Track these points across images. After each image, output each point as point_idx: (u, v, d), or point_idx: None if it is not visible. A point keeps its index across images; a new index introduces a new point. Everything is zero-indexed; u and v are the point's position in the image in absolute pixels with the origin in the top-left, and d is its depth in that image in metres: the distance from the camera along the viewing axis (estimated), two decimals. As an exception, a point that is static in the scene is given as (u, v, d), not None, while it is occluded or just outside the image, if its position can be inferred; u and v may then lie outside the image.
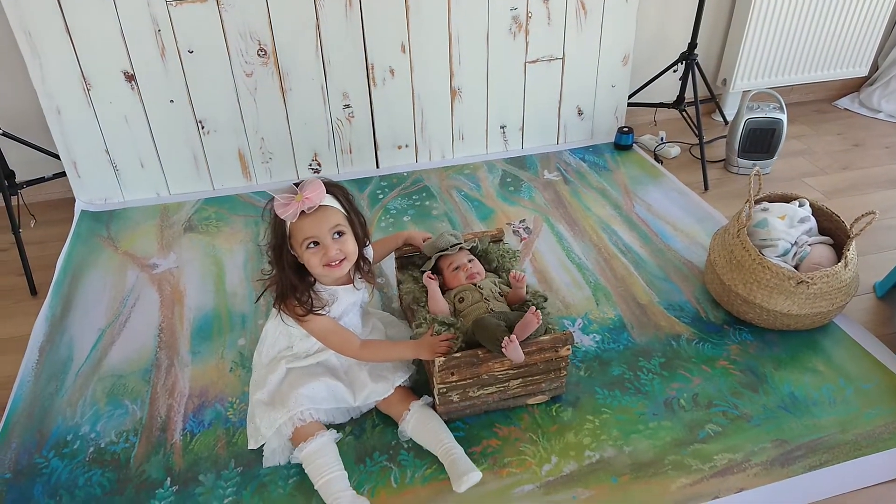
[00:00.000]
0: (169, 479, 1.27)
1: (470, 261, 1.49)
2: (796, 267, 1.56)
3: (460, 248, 1.52)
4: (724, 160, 2.39)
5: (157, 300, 1.74)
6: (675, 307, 1.68)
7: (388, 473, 1.27)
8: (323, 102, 2.13)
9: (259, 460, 1.30)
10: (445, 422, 1.33)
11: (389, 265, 1.72)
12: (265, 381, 1.34)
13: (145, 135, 2.05)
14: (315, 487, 1.22)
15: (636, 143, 2.49)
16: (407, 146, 2.32)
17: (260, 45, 1.98)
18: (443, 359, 1.25)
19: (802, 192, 2.19)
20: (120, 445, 1.34)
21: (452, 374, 1.27)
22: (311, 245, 1.24)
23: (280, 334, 1.38)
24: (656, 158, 2.42)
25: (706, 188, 2.24)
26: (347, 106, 2.17)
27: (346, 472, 1.24)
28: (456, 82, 2.24)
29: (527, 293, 1.43)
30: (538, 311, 1.26)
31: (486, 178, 2.29)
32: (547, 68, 2.30)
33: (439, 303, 1.40)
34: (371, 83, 2.15)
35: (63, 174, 2.08)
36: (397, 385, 1.36)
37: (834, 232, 1.63)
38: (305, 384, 1.30)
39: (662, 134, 2.49)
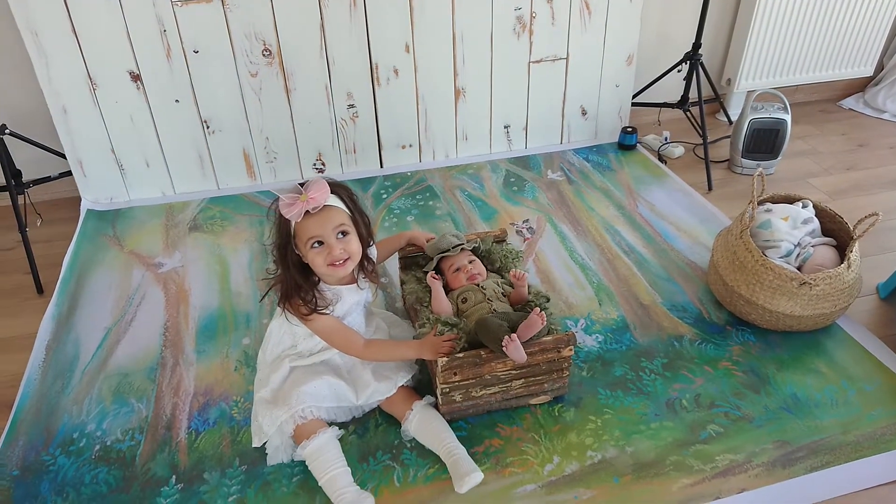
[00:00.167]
0: (174, 476, 1.28)
1: (471, 262, 1.49)
2: (799, 268, 1.57)
3: (462, 249, 1.52)
4: (728, 160, 2.39)
5: (163, 299, 1.75)
6: (678, 308, 1.68)
7: (391, 472, 1.28)
8: (327, 102, 2.14)
9: (263, 458, 1.31)
10: (448, 421, 1.33)
11: (393, 265, 1.73)
12: (269, 379, 1.35)
13: (151, 134, 2.07)
14: (319, 484, 1.23)
15: (640, 143, 2.49)
16: (411, 146, 2.33)
17: (265, 45, 1.99)
18: (445, 359, 1.25)
19: (806, 192, 2.20)
20: (126, 443, 1.35)
21: (455, 374, 1.28)
22: (316, 245, 1.25)
23: (284, 333, 1.39)
24: (660, 158, 2.42)
25: (710, 188, 2.24)
26: (352, 106, 2.17)
27: (349, 469, 1.25)
28: (460, 82, 2.24)
29: (529, 293, 1.43)
30: (542, 312, 1.27)
31: (489, 177, 2.29)
32: (551, 68, 2.31)
33: (443, 303, 1.41)
34: (375, 83, 2.15)
35: (69, 173, 2.09)
36: (400, 385, 1.36)
37: (837, 233, 1.63)
38: (308, 382, 1.31)
39: (666, 134, 2.49)
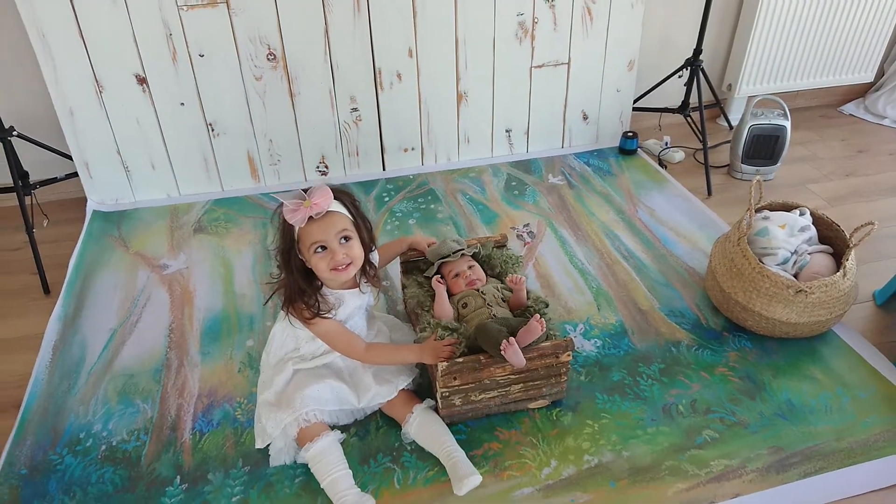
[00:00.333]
0: (179, 477, 1.31)
1: (470, 267, 1.51)
2: (796, 275, 1.59)
3: (462, 255, 1.54)
4: (728, 165, 2.41)
5: (168, 301, 1.78)
6: (676, 313, 1.70)
7: (391, 474, 1.30)
8: (331, 106, 2.16)
9: (266, 460, 1.33)
10: (448, 425, 1.36)
11: (395, 268, 1.75)
12: (272, 381, 1.38)
13: (156, 137, 2.09)
14: (321, 486, 1.25)
15: (641, 147, 2.51)
16: (413, 149, 2.35)
17: (269, 49, 2.01)
18: (445, 363, 1.28)
19: (805, 198, 2.22)
20: (131, 444, 1.38)
21: (455, 378, 1.30)
22: (319, 249, 1.27)
23: (287, 336, 1.41)
24: (660, 163, 2.44)
25: (709, 193, 2.26)
26: (355, 109, 2.20)
27: (350, 472, 1.27)
28: (462, 86, 2.26)
29: (528, 299, 1.45)
30: (542, 318, 1.29)
31: (491, 181, 2.32)
32: (552, 73, 2.32)
33: (445, 307, 1.43)
34: (378, 87, 2.17)
35: (75, 174, 2.12)
36: (401, 388, 1.39)
37: (834, 241, 1.65)
38: (311, 385, 1.33)
39: (667, 139, 2.51)
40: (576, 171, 2.38)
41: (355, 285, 1.38)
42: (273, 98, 2.10)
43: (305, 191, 1.27)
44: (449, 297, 1.47)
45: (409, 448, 1.35)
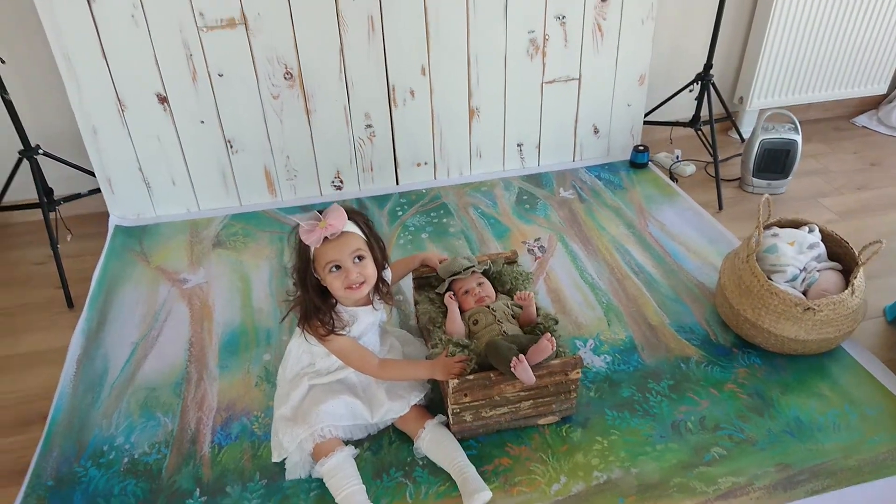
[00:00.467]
0: (198, 489, 1.35)
1: (479, 284, 1.54)
2: (805, 293, 1.60)
3: (472, 272, 1.57)
4: (739, 178, 2.42)
5: (188, 315, 1.83)
6: (686, 329, 1.72)
7: (403, 489, 1.33)
8: (346, 123, 2.21)
9: (283, 473, 1.37)
10: (459, 440, 1.39)
11: (408, 283, 1.78)
12: (288, 396, 1.42)
13: (177, 153, 2.15)
14: (336, 500, 1.28)
15: (652, 160, 2.53)
16: (426, 163, 2.39)
17: (286, 68, 2.06)
18: (456, 381, 1.31)
19: (817, 212, 2.23)
20: (152, 456, 1.42)
21: (465, 395, 1.33)
22: (334, 269, 1.32)
23: (303, 352, 1.45)
24: (671, 176, 2.45)
25: (720, 207, 2.27)
26: (369, 126, 2.24)
27: (364, 487, 1.31)
28: (474, 102, 2.30)
29: (538, 315, 1.48)
30: (553, 338, 1.31)
31: (502, 195, 2.35)
32: (563, 88, 2.35)
33: (457, 323, 1.46)
34: (392, 104, 2.22)
35: (98, 190, 2.18)
36: (413, 404, 1.42)
37: (843, 258, 1.66)
38: (326, 401, 1.37)
39: (678, 152, 2.53)
40: (587, 184, 2.40)
41: (369, 302, 1.42)
42: (290, 115, 2.15)
43: (321, 212, 1.32)
44: (460, 314, 1.51)
45: (421, 463, 1.38)
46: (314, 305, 1.35)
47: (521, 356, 1.27)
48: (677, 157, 2.51)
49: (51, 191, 2.08)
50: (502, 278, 1.62)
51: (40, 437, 1.48)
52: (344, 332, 1.37)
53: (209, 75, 2.03)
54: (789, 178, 2.31)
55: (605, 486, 1.33)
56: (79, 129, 2.06)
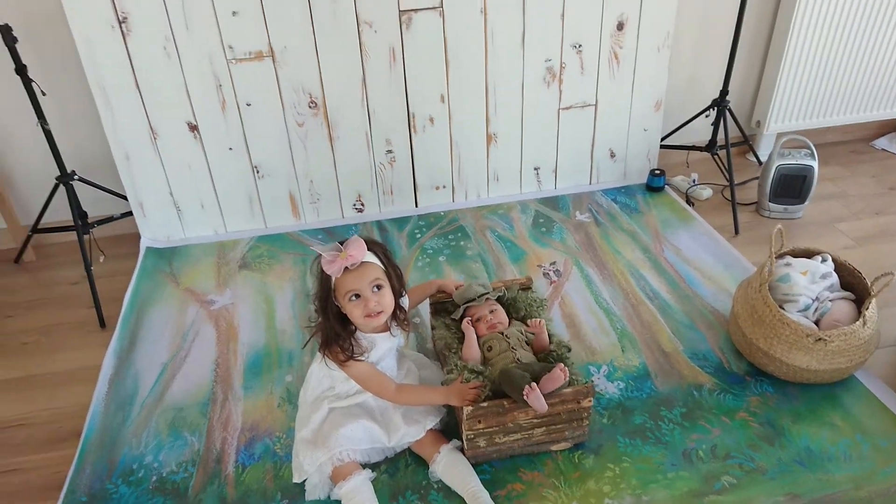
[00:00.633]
0: (223, 508, 1.41)
1: (492, 311, 1.59)
2: (817, 322, 1.62)
3: (486, 299, 1.62)
4: (756, 203, 2.43)
5: (214, 336, 1.90)
6: (699, 356, 1.74)
7: (419, 512, 1.38)
8: (367, 149, 2.28)
9: (303, 494, 1.42)
10: (473, 465, 1.43)
11: (425, 307, 1.83)
12: (309, 419, 1.47)
13: (206, 179, 2.23)
14: (353, 522, 1.34)
15: (668, 184, 2.56)
16: (444, 187, 2.45)
17: (311, 98, 2.14)
18: (470, 408, 1.35)
19: (833, 238, 2.23)
20: (179, 475, 1.48)
21: (479, 421, 1.37)
22: (354, 297, 1.37)
23: (324, 376, 1.51)
24: (688, 200, 2.48)
25: (737, 232, 2.29)
26: (390, 151, 2.31)
27: (380, 510, 1.36)
28: (492, 128, 2.35)
29: (551, 342, 1.52)
30: (566, 367, 1.35)
31: (519, 218, 2.39)
32: (580, 114, 2.40)
33: (473, 350, 1.50)
34: (412, 131, 2.28)
35: (130, 213, 2.27)
36: (429, 428, 1.47)
37: (856, 287, 1.68)
38: (345, 425, 1.42)
39: (695, 176, 2.55)
40: (603, 208, 2.43)
41: (386, 329, 1.47)
42: (314, 142, 2.23)
43: (342, 243, 1.38)
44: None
45: (436, 486, 1.42)
46: (334, 332, 1.40)
47: (534, 385, 1.31)
48: (694, 181, 2.53)
49: (85, 214, 2.18)
50: (517, 304, 1.66)
51: (74, 453, 1.55)
52: (363, 358, 1.42)
53: (237, 105, 2.12)
54: (806, 202, 2.32)
55: (616, 513, 1.36)
56: (112, 156, 2.15)
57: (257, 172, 2.26)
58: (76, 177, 2.09)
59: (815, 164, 2.26)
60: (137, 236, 2.34)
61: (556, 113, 2.37)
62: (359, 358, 1.42)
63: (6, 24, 1.77)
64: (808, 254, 1.75)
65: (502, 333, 1.53)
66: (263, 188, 2.29)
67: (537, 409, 1.32)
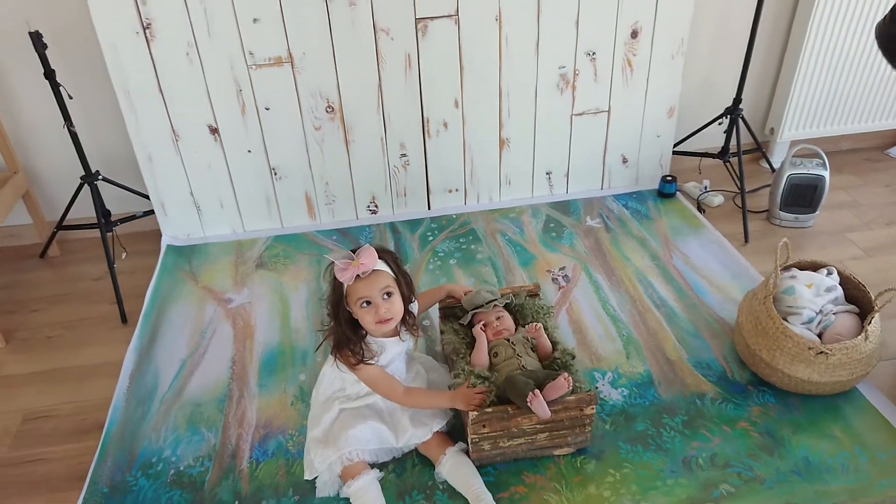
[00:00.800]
0: (237, 502, 1.47)
1: (498, 318, 1.63)
2: (820, 335, 1.64)
3: (494, 305, 1.66)
4: (766, 211, 2.45)
5: (231, 334, 1.96)
6: (703, 365, 1.77)
7: (424, 511, 1.43)
8: (382, 152, 2.33)
9: (314, 490, 1.48)
10: (477, 467, 1.47)
11: (435, 310, 1.87)
12: (320, 419, 1.53)
13: (225, 180, 2.30)
14: (361, 520, 1.39)
15: (680, 190, 2.57)
16: (457, 190, 2.49)
17: (328, 103, 2.19)
18: (476, 413, 1.40)
19: (843, 247, 2.24)
20: (196, 469, 1.55)
21: (484, 426, 1.42)
22: (365, 304, 1.42)
23: (335, 377, 1.56)
24: (699, 207, 2.49)
25: (746, 241, 2.30)
26: (404, 155, 2.35)
27: (387, 508, 1.41)
28: (505, 133, 2.39)
29: (556, 350, 1.56)
30: (569, 377, 1.39)
31: (529, 222, 2.43)
32: (593, 120, 2.42)
33: (482, 355, 1.55)
34: (426, 135, 2.32)
35: (152, 212, 2.34)
36: (435, 430, 1.51)
37: (860, 300, 1.69)
38: (355, 426, 1.47)
39: (706, 182, 2.57)
40: (614, 213, 2.46)
41: (396, 334, 1.52)
42: (330, 145, 2.28)
43: (354, 251, 1.43)
44: (483, 345, 1.59)
45: (441, 487, 1.47)
46: (346, 337, 1.46)
47: (537, 392, 1.36)
48: (705, 188, 2.55)
49: (108, 212, 2.25)
50: (524, 311, 1.71)
51: (96, 445, 1.63)
52: (373, 362, 1.47)
53: (257, 109, 2.17)
54: (817, 211, 2.33)
55: (615, 518, 1.40)
56: (136, 157, 2.22)
57: (275, 174, 2.31)
58: (100, 177, 2.16)
59: (826, 174, 2.26)
60: (158, 234, 2.41)
61: (569, 119, 2.40)
62: (369, 361, 1.47)
63: (37, 31, 1.84)
64: (815, 266, 1.77)
65: (508, 340, 1.58)
66: (281, 189, 2.35)
67: (540, 415, 1.36)
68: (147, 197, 2.32)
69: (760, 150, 2.58)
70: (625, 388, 1.72)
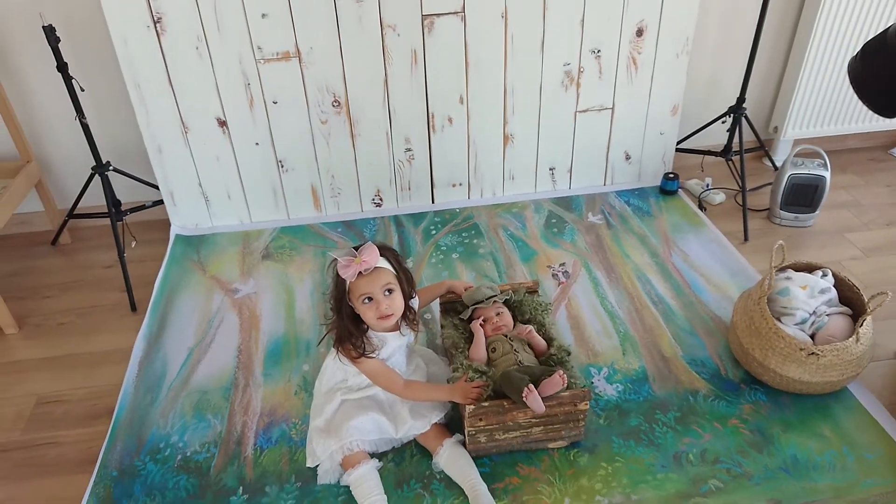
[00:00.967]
0: (241, 488, 1.52)
1: (498, 314, 1.67)
2: (813, 336, 1.67)
3: (493, 301, 1.70)
4: (767, 209, 2.47)
5: (237, 323, 2.01)
6: (697, 362, 1.81)
7: (421, 500, 1.48)
8: (387, 146, 2.36)
9: (315, 477, 1.53)
10: (474, 458, 1.52)
11: (436, 304, 1.91)
12: (322, 409, 1.58)
13: (233, 171, 2.34)
14: (360, 507, 1.45)
15: (682, 187, 2.60)
16: (461, 184, 2.52)
17: (335, 97, 2.22)
18: (473, 406, 1.45)
19: (841, 247, 2.27)
20: (202, 455, 1.61)
21: (481, 419, 1.47)
22: (367, 300, 1.47)
23: (337, 369, 1.61)
24: (700, 204, 2.52)
25: (746, 239, 2.33)
26: (409, 149, 2.38)
27: (386, 497, 1.46)
28: (509, 129, 2.41)
29: (552, 347, 1.60)
30: (564, 374, 1.43)
31: (532, 217, 2.46)
32: (596, 117, 2.44)
33: (480, 350, 1.59)
34: (431, 130, 2.35)
35: (161, 202, 2.39)
36: (434, 422, 1.56)
37: (854, 302, 1.72)
38: (356, 417, 1.52)
39: (709, 180, 2.59)
40: (615, 209, 2.49)
41: (396, 328, 1.57)
42: (336, 139, 2.32)
43: (356, 248, 1.47)
44: (483, 340, 1.64)
45: (438, 477, 1.52)
46: (348, 331, 1.50)
47: (532, 387, 1.40)
48: (707, 186, 2.57)
49: (119, 202, 2.30)
50: (522, 307, 1.74)
51: (106, 430, 1.68)
52: (374, 355, 1.52)
53: (265, 102, 2.21)
54: (817, 211, 2.35)
55: (605, 511, 1.44)
56: (145, 148, 2.26)
57: (282, 166, 2.35)
58: (111, 167, 2.20)
59: (827, 175, 2.28)
60: (167, 223, 2.46)
61: (573, 115, 2.42)
62: (370, 355, 1.51)
63: (50, 25, 1.87)
64: (810, 268, 1.79)
65: (506, 336, 1.62)
66: (287, 181, 2.39)
67: (535, 410, 1.41)
68: (156, 187, 2.36)
69: (763, 148, 2.59)
70: (620, 383, 1.76)
